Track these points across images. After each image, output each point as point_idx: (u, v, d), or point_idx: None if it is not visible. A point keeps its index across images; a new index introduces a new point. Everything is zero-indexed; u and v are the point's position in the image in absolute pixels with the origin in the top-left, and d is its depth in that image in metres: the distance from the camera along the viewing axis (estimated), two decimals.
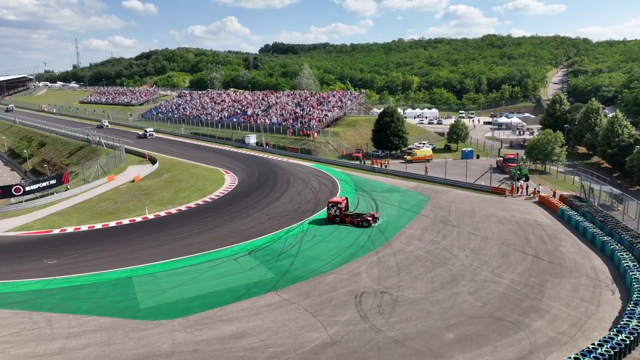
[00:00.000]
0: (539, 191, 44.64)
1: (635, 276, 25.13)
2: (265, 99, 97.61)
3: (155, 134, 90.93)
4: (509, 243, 32.32)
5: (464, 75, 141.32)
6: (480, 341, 20.32)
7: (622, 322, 20.56)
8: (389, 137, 66.32)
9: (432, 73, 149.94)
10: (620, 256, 27.99)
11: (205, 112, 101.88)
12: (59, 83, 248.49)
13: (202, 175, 56.87)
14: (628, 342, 18.89)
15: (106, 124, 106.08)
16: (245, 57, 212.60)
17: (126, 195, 48.81)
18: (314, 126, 75.66)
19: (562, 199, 41.72)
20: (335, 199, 38.93)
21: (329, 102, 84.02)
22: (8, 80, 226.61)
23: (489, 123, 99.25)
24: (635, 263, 26.89)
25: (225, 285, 26.33)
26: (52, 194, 49.28)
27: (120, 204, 45.56)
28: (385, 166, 59.98)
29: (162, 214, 41.76)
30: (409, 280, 26.70)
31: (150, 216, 41.00)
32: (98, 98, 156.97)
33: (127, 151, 71.38)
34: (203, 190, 49.49)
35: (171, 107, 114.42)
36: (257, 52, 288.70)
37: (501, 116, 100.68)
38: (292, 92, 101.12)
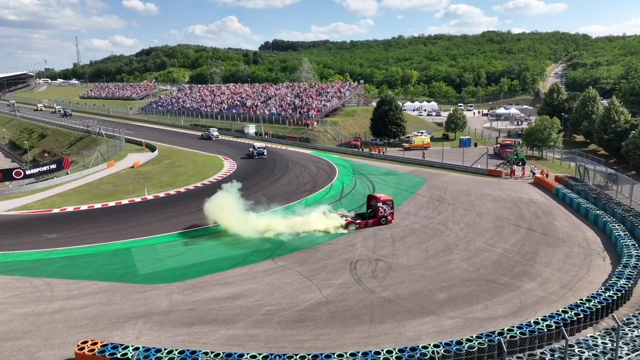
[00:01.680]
0: (534, 172, 45.06)
1: (625, 243, 25.53)
2: (265, 91, 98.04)
3: (149, 125, 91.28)
4: (504, 218, 32.73)
5: (463, 69, 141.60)
6: (472, 300, 20.73)
7: (610, 282, 20.96)
8: (387, 125, 66.75)
9: (431, 67, 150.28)
10: (612, 227, 28.38)
11: (204, 105, 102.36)
12: (60, 80, 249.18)
13: (201, 161, 57.26)
14: (615, 298, 19.28)
15: (215, 133, 76.85)
16: (245, 52, 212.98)
17: (126, 179, 49.18)
18: (313, 116, 76.06)
19: (558, 179, 42.12)
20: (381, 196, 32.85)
21: (328, 92, 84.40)
22: (8, 77, 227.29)
23: (487, 115, 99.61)
24: (627, 233, 27.27)
25: (222, 255, 26.75)
26: (52, 178, 49.68)
27: (120, 186, 45.95)
28: (383, 152, 60.37)
29: (162, 195, 42.13)
30: (404, 249, 27.10)
31: (150, 197, 41.34)
32: (98, 93, 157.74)
33: (127, 141, 71.79)
34: (202, 174, 49.86)
35: (171, 101, 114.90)
36: (258, 50, 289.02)
37: (499, 108, 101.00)
38: (290, 84, 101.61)
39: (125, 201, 40.30)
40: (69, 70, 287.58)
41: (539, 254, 26.08)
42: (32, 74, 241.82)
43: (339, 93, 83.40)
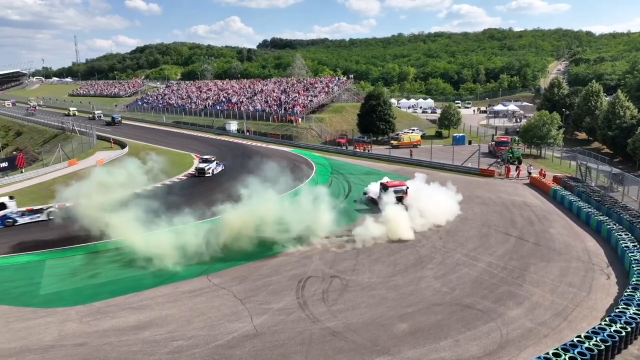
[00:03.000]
0: (530, 172, 40.54)
1: (635, 257, 21.00)
2: (252, 86, 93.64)
3: (131, 123, 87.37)
4: (491, 224, 28.23)
5: (462, 65, 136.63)
6: (439, 333, 16.27)
7: (617, 310, 16.47)
8: (374, 121, 62.14)
9: (429, 64, 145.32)
10: (618, 236, 23.85)
11: (190, 101, 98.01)
12: (55, 78, 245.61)
13: (170, 159, 52.85)
14: (623, 333, 14.79)
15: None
16: (239, 50, 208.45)
17: (82, 178, 44.81)
18: (298, 112, 71.60)
19: (556, 179, 37.60)
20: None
21: (315, 88, 79.95)
22: (1, 75, 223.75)
23: (485, 111, 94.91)
24: (636, 244, 22.74)
25: (149, 269, 22.25)
26: (3, 177, 45.38)
27: (73, 187, 41.54)
28: (368, 150, 55.91)
29: (114, 196, 37.69)
30: (368, 263, 22.66)
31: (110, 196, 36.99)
32: (87, 90, 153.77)
33: (101, 138, 67.68)
34: (166, 173, 45.48)
35: (156, 98, 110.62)
36: (255, 48, 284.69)
37: (497, 105, 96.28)
38: (278, 80, 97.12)
39: (69, 203, 35.89)
40: (64, 69, 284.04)
41: (529, 269, 21.58)
42: (25, 72, 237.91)
43: (327, 88, 78.88)
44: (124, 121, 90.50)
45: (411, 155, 50.94)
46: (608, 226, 25.50)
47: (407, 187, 30.60)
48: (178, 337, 16.27)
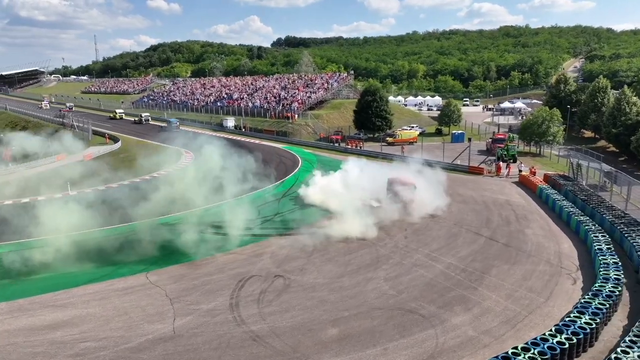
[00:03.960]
0: (521, 170, 38.62)
1: (605, 260, 19.21)
2: (254, 83, 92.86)
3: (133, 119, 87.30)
4: (464, 223, 26.58)
5: (473, 62, 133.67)
6: (370, 340, 14.88)
7: (568, 319, 14.81)
8: (370, 117, 60.73)
9: (439, 61, 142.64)
10: (594, 238, 22.00)
11: (193, 98, 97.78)
12: (72, 77, 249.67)
13: (158, 154, 52.34)
14: (567, 345, 13.18)
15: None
16: (250, 48, 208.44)
17: (63, 173, 44.48)
18: (295, 108, 70.43)
19: (546, 177, 35.64)
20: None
21: (315, 84, 78.67)
22: (20, 73, 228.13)
23: (491, 109, 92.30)
24: (610, 246, 20.88)
25: (94, 263, 21.35)
26: None
27: (51, 181, 41.15)
28: (360, 147, 54.45)
29: (89, 190, 37.13)
30: (319, 262, 21.32)
31: (73, 193, 36.42)
32: (98, 88, 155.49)
33: (97, 133, 67.84)
34: (148, 169, 44.82)
35: (162, 94, 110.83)
36: (269, 46, 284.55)
37: (504, 102, 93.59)
38: (281, 76, 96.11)
39: (42, 197, 35.39)
40: (82, 67, 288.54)
41: (490, 272, 19.96)
42: (42, 70, 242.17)
43: (326, 85, 77.52)
44: (125, 117, 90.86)
45: (403, 152, 49.29)
46: (586, 227, 23.63)
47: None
48: (89, 338, 15.22)
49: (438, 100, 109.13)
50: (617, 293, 16.47)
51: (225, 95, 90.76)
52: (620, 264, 19.05)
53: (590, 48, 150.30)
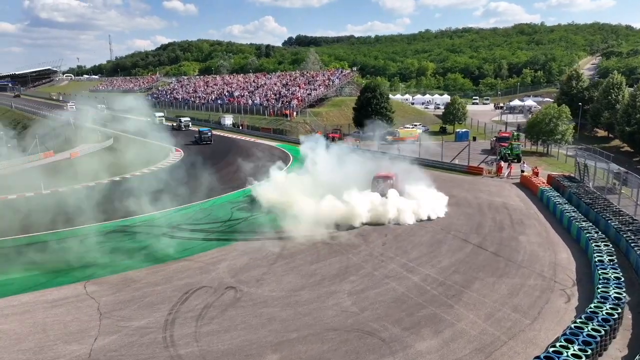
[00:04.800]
0: (523, 170, 35.79)
1: (604, 275, 16.53)
2: (256, 81, 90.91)
3: (134, 117, 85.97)
4: (453, 228, 24.00)
5: (484, 60, 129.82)
6: None
7: (553, 349, 12.24)
8: (370, 115, 58.07)
9: (449, 59, 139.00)
10: (595, 247, 19.28)
11: (195, 96, 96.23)
12: (85, 76, 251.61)
13: (147, 152, 50.60)
14: None
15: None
16: (258, 46, 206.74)
17: (43, 171, 42.94)
18: (294, 106, 68.20)
19: (550, 178, 32.81)
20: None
21: (316, 81, 76.34)
22: (33, 72, 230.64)
23: (501, 107, 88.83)
24: (613, 257, 18.15)
25: (35, 271, 19.33)
26: None
27: (30, 180, 39.56)
28: (357, 146, 51.90)
29: (63, 189, 35.36)
30: (280, 272, 19.00)
31: (47, 192, 34.72)
32: (106, 87, 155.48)
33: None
34: (132, 168, 43.09)
35: (165, 92, 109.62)
36: (281, 45, 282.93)
37: (514, 100, 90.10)
38: (282, 74, 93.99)
39: (13, 196, 33.77)
40: (96, 67, 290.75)
41: (471, 286, 17.42)
42: (55, 69, 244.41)
43: (328, 81, 75.13)
44: (127, 115, 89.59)
45: (399, 151, 46.66)
46: (588, 234, 20.88)
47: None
48: None
49: (447, 98, 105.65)
50: (616, 316, 13.83)
51: (227, 93, 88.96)
52: (623, 279, 16.36)
53: (607, 45, 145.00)
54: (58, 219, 26.08)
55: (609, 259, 17.99)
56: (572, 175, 33.46)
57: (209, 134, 58.23)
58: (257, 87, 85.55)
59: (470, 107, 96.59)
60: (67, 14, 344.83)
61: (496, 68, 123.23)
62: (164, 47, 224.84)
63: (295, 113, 66.29)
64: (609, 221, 22.42)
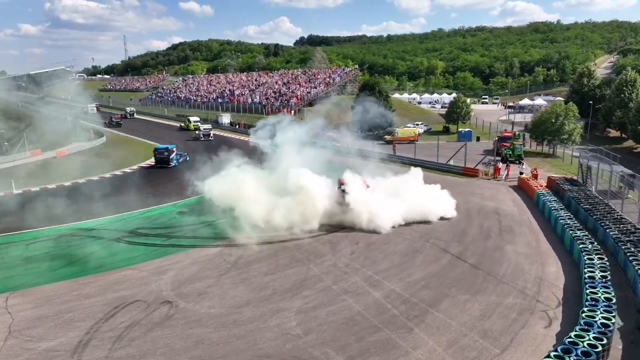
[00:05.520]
0: (522, 172, 33.27)
1: (593, 295, 14.16)
2: (258, 79, 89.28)
3: (136, 115, 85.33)
4: (433, 236, 21.72)
5: (495, 59, 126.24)
6: None
7: None
8: (368, 114, 55.76)
9: (459, 58, 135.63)
10: (587, 261, 16.86)
11: (197, 94, 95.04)
12: (98, 76, 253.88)
13: (135, 151, 49.41)
14: None
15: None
16: (267, 46, 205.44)
17: (23, 169, 41.76)
18: (293, 104, 66.28)
19: (550, 181, 30.27)
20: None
21: (317, 79, 74.32)
22: (47, 72, 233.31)
23: (511, 107, 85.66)
24: (606, 273, 15.73)
25: None
26: None
27: (5, 179, 38.28)
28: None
29: (36, 188, 33.95)
30: (229, 284, 17.00)
31: (18, 191, 33.29)
32: (114, 86, 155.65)
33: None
34: (117, 166, 41.70)
35: (169, 91, 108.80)
36: (292, 45, 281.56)
37: (526, 99, 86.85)
38: (284, 72, 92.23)
39: None
40: (109, 67, 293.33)
41: (439, 304, 15.19)
42: (68, 69, 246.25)
43: (329, 79, 73.04)
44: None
45: (394, 151, 44.46)
46: (582, 245, 18.43)
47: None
48: None
49: (466, 100, 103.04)
50: (600, 348, 11.48)
51: (228, 92, 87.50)
52: (614, 300, 13.96)
53: (625, 43, 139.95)
54: (11, 220, 24.67)
55: (601, 275, 15.57)
56: (575, 177, 30.83)
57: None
58: (259, 85, 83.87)
59: (478, 107, 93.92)
60: (86, 16, 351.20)
61: (507, 66, 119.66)
62: (174, 47, 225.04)
63: (292, 112, 64.30)
64: (608, 230, 19.93)
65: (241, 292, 16.38)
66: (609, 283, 15.10)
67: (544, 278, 17.17)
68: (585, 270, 16.08)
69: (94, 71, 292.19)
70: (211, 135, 58.68)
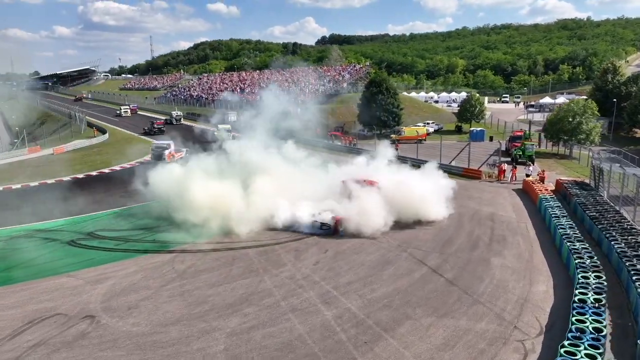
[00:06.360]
0: (528, 174, 30.44)
1: (579, 324, 11.65)
2: (270, 77, 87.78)
3: (144, 114, 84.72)
4: (413, 245, 19.35)
5: (518, 56, 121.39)
6: None
7: None
8: (374, 112, 53.44)
9: (481, 56, 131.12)
10: (581, 280, 14.29)
11: (209, 93, 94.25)
12: (123, 75, 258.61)
13: (132, 148, 48.25)
14: None
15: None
16: (285, 44, 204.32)
17: (19, 168, 41.05)
18: (299, 102, 64.37)
19: (559, 185, 27.43)
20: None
21: (326, 76, 72.20)
22: (74, 72, 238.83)
23: (531, 106, 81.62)
24: (601, 297, 13.16)
25: None
26: None
27: None
28: (354, 144, 47.62)
29: (17, 186, 32.97)
30: (166, 297, 15.12)
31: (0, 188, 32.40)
32: (133, 85, 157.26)
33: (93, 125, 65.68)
34: (107, 163, 40.58)
35: (184, 90, 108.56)
36: (314, 44, 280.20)
37: (545, 98, 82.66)
38: (295, 69, 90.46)
39: None
40: (134, 67, 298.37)
41: (397, 329, 12.92)
42: (94, 69, 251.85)
43: (338, 77, 70.83)
44: (139, 112, 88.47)
45: (396, 150, 41.89)
46: (579, 260, 15.81)
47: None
48: None
49: (479, 97, 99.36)
50: None
51: (239, 90, 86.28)
52: (605, 332, 11.44)
53: None
54: None
55: (594, 299, 13.01)
56: (586, 181, 27.86)
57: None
58: (270, 83, 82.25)
59: (496, 106, 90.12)
60: (117, 18, 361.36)
61: (531, 64, 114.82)
62: (195, 47, 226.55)
63: (298, 110, 62.33)
64: (613, 242, 17.20)
65: (175, 307, 14.46)
66: (603, 309, 12.53)
67: (530, 298, 14.65)
68: (576, 291, 13.53)
69: (119, 71, 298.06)
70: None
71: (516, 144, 39.71)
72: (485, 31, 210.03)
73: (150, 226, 22.51)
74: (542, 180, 28.52)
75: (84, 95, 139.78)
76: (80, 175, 35.42)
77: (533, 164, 35.76)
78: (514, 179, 31.11)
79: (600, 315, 12.18)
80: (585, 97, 72.18)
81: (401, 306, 14.21)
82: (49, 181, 33.15)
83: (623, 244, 16.96)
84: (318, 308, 14.18)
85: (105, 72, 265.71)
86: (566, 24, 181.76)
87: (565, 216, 20.90)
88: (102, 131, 59.38)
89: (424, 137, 50.99)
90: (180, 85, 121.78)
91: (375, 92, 53.47)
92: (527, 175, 30.19)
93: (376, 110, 53.19)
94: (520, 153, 37.11)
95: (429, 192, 22.26)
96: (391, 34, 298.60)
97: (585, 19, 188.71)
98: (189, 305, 14.52)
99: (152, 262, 18.07)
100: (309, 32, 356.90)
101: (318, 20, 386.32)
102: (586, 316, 12.11)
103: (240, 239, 20.25)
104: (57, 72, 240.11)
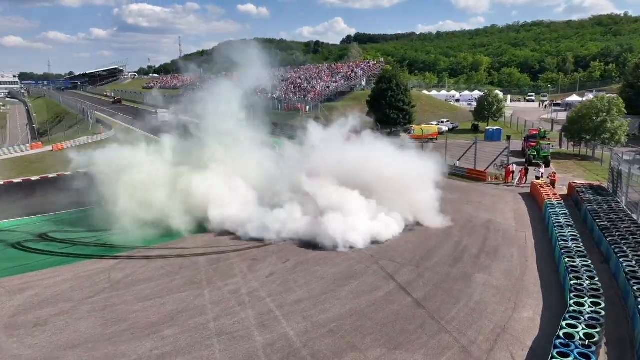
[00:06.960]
0: (538, 176, 27.33)
1: None
2: (284, 74, 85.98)
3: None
4: (387, 256, 16.84)
5: (546, 54, 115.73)
6: None
7: None
8: (384, 109, 50.78)
9: (507, 53, 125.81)
10: (575, 305, 11.55)
11: None
12: (150, 75, 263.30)
13: (129, 146, 47.08)
14: None
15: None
16: (307, 43, 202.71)
17: (13, 164, 40.41)
18: (309, 100, 62.24)
19: (571, 189, 24.35)
20: None
21: (339, 73, 69.81)
22: (103, 71, 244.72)
23: (557, 104, 76.99)
24: (596, 330, 10.42)
25: None
26: None
27: None
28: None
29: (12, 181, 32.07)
30: (83, 313, 13.16)
31: None
32: (155, 84, 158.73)
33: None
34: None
35: (199, 88, 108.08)
36: (338, 43, 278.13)
37: (571, 96, 77.88)
38: (310, 67, 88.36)
39: None
40: (161, 66, 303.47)
41: None
42: (122, 68, 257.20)
43: (351, 73, 68.33)
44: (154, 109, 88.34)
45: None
46: (575, 280, 13.03)
47: None
48: None
49: (499, 95, 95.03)
50: None
51: None
52: None
53: None
54: None
55: (584, 334, 10.28)
56: (603, 185, 24.65)
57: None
58: (282, 80, 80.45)
59: (520, 104, 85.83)
60: (150, 20, 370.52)
61: (560, 62, 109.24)
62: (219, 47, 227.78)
63: (307, 107, 60.24)
64: (623, 259, 14.29)
65: (89, 325, 12.46)
66: (594, 349, 9.81)
67: (509, 328, 11.98)
68: (563, 322, 10.82)
69: (147, 70, 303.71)
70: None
71: (532, 143, 36.39)
72: (514, 29, 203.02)
73: (110, 227, 20.68)
74: (552, 183, 25.42)
75: (120, 98, 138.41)
76: (51, 175, 33.96)
77: (548, 166, 32.57)
78: (523, 182, 28.03)
79: (589, 358, 9.48)
80: (615, 95, 67.42)
81: (349, 333, 11.79)
82: (50, 175, 32.33)
83: (634, 262, 14.04)
84: (250, 332, 11.92)
85: (134, 72, 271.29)
86: (601, 20, 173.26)
87: (571, 225, 17.93)
88: (108, 127, 58.93)
89: (435, 137, 47.98)
90: (197, 83, 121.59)
91: (385, 89, 50.76)
92: (537, 178, 27.06)
93: (385, 107, 50.52)
94: (535, 153, 33.88)
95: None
96: (416, 32, 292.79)
97: (621, 15, 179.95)
98: (105, 324, 12.49)
99: (90, 269, 16.19)
100: (337, 32, 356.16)
101: (347, 20, 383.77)
102: (570, 358, 9.43)
103: (196, 245, 18.21)
104: (87, 72, 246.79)
